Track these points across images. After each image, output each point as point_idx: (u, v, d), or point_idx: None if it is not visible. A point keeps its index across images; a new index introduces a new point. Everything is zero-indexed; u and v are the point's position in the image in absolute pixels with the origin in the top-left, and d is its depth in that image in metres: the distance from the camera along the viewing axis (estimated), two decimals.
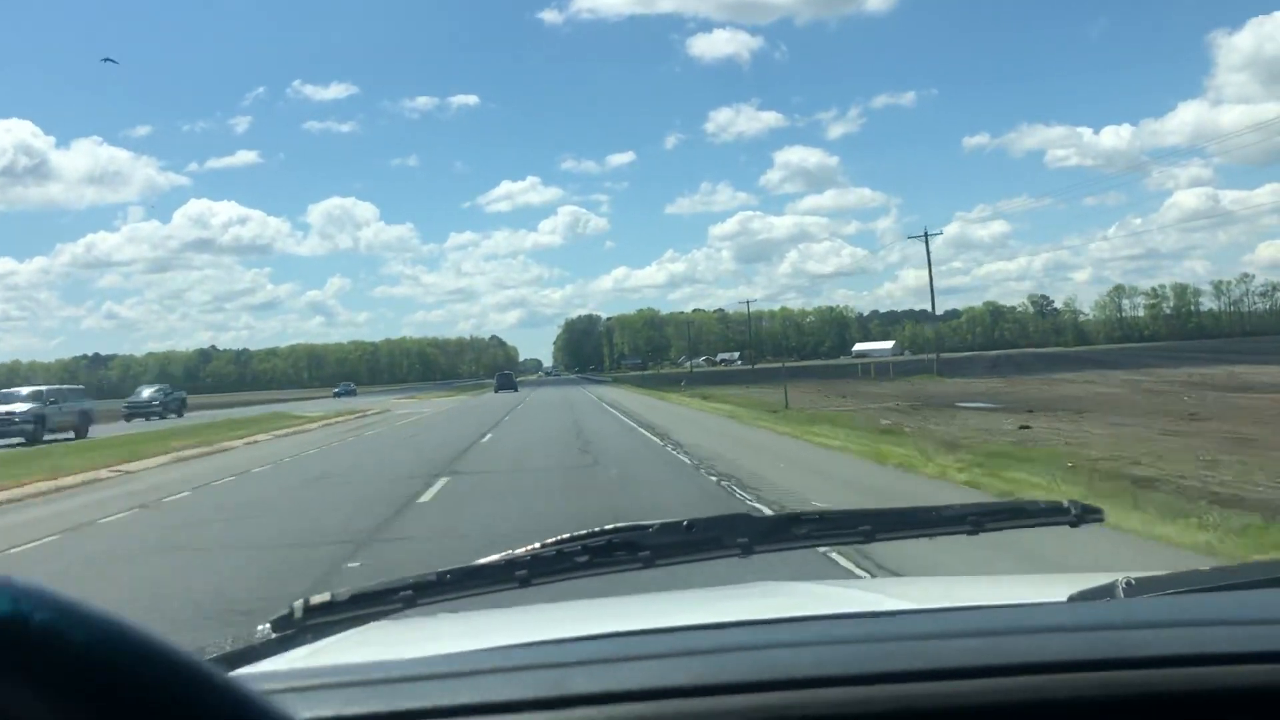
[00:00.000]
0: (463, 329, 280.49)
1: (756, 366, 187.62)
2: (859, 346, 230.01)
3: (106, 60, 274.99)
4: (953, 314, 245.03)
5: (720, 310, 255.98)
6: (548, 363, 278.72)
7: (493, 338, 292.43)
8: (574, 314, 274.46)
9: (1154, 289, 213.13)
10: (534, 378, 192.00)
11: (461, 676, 0.90)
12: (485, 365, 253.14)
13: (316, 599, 1.29)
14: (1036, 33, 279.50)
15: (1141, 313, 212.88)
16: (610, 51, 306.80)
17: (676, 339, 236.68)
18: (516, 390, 71.99)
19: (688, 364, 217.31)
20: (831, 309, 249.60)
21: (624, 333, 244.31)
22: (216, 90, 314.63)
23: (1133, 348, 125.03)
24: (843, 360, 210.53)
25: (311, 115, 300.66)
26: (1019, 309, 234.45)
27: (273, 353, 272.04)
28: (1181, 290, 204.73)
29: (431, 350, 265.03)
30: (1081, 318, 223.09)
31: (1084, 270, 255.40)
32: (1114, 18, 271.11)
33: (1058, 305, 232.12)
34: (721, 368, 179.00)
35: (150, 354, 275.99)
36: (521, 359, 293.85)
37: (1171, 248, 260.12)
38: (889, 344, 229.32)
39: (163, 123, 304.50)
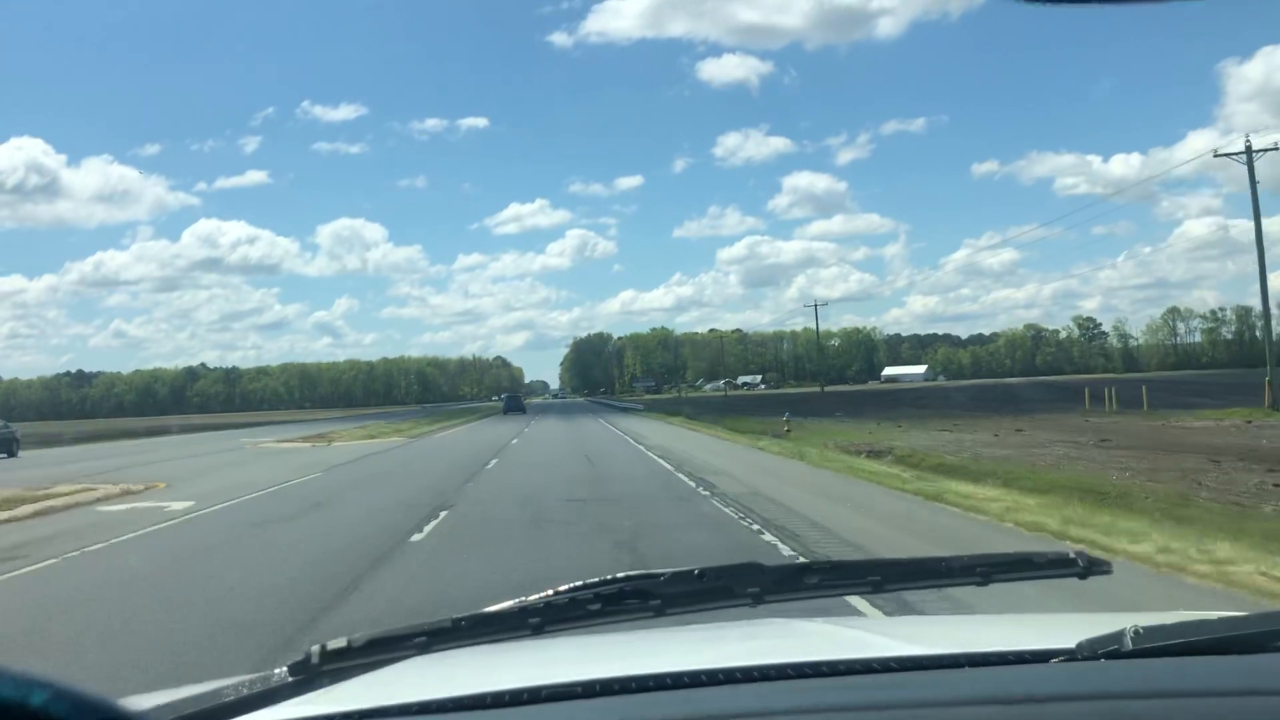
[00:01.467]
0: (470, 350, 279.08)
1: (781, 390, 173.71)
2: (889, 370, 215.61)
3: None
4: (978, 338, 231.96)
5: (739, 331, 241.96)
6: (554, 385, 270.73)
7: (497, 358, 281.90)
8: (582, 335, 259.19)
9: (1213, 311, 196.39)
10: (539, 400, 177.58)
11: None
12: (488, 387, 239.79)
13: (333, 644, 1.31)
14: (1047, 61, 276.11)
15: (1198, 337, 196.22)
16: (620, 75, 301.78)
17: (693, 360, 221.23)
18: (525, 412, 71.93)
19: (705, 387, 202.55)
20: (858, 330, 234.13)
21: (636, 353, 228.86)
22: (226, 110, 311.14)
23: (1209, 374, 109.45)
24: (872, 385, 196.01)
25: (321, 136, 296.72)
26: (1062, 332, 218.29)
27: (263, 371, 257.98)
28: (1245, 313, 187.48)
29: (431, 370, 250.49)
30: (1132, 342, 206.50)
31: (1093, 299, 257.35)
32: (1125, 47, 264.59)
33: (1104, 328, 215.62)
34: (744, 392, 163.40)
35: (137, 372, 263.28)
36: (528, 380, 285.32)
37: (1180, 277, 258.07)
38: (920, 368, 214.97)
39: (172, 142, 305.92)
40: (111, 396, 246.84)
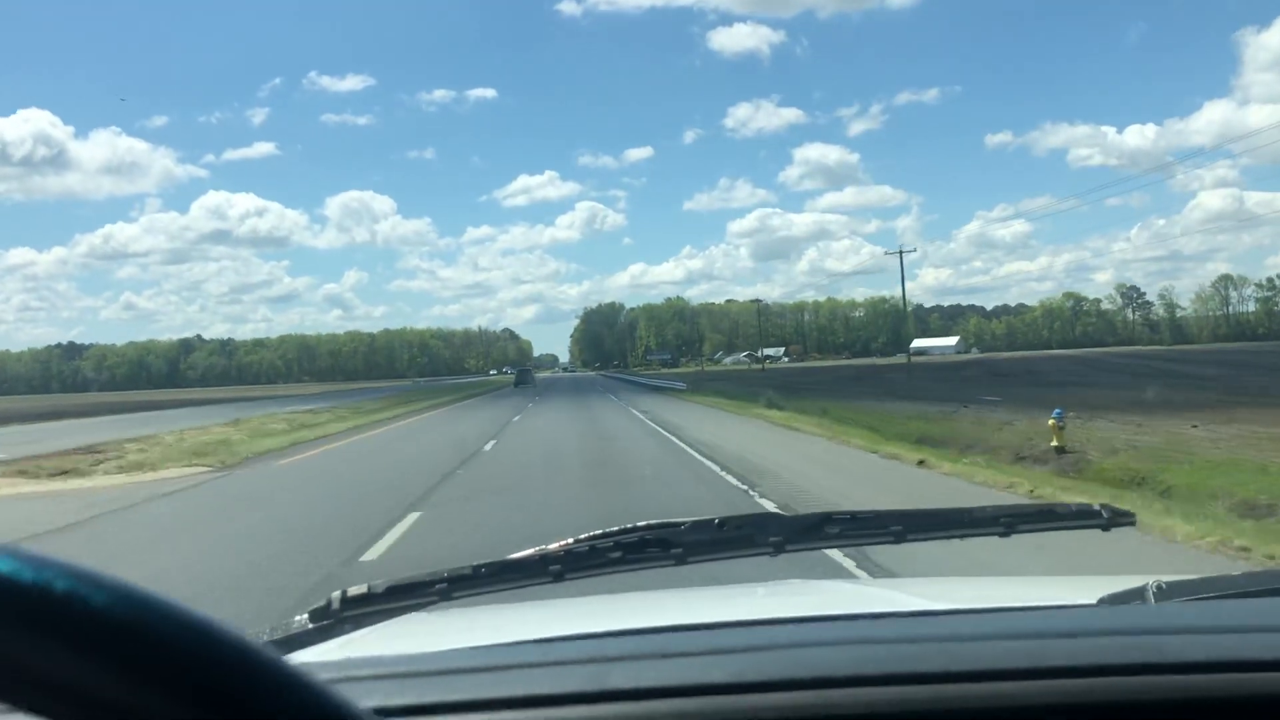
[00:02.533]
0: (479, 324, 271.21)
1: (806, 364, 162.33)
2: (918, 343, 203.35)
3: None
4: (1004, 309, 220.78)
5: (757, 301, 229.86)
6: (564, 358, 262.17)
7: (505, 330, 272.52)
8: (592, 307, 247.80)
9: (1270, 280, 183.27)
10: (547, 374, 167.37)
11: (503, 670, 0.91)
12: (495, 360, 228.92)
13: (354, 590, 1.31)
14: (1062, 30, 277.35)
15: (1253, 306, 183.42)
16: (629, 45, 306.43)
17: (711, 333, 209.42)
18: (535, 385, 71.74)
19: (725, 360, 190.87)
20: (883, 300, 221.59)
21: (650, 324, 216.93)
22: (233, 81, 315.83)
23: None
24: (899, 358, 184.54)
25: (328, 108, 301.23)
26: (1104, 302, 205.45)
27: (260, 344, 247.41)
28: None
29: (435, 342, 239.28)
30: (1180, 312, 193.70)
31: (1105, 271, 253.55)
32: (1141, 16, 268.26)
33: (1150, 298, 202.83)
34: (769, 365, 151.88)
35: (131, 344, 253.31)
36: (537, 354, 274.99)
37: (1195, 250, 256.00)
38: (951, 340, 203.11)
39: (180, 114, 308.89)
40: (104, 369, 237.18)
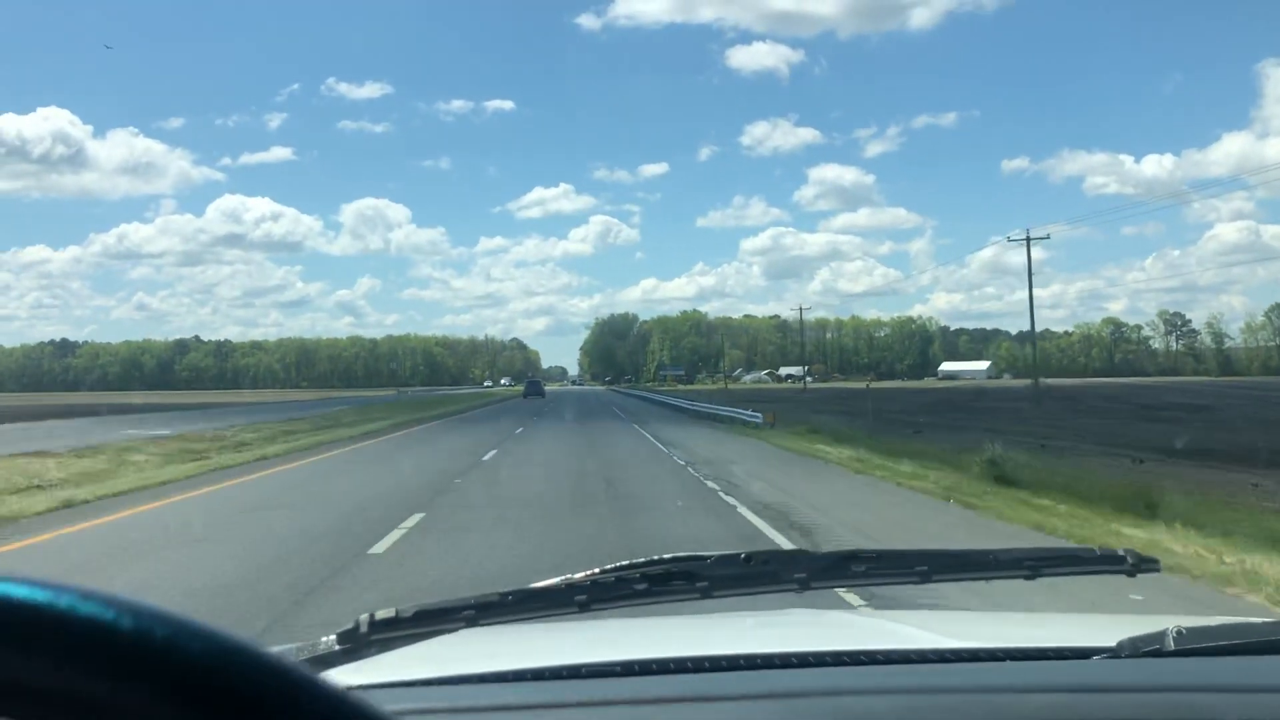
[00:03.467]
0: (488, 333, 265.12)
1: (829, 385, 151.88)
2: (947, 366, 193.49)
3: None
4: (1026, 334, 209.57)
5: (776, 317, 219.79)
6: (573, 370, 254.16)
7: (512, 340, 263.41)
8: (605, 317, 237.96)
9: None
10: (556, 386, 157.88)
11: (542, 709, 0.87)
12: (501, 370, 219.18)
13: (381, 614, 1.32)
14: (1083, 58, 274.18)
15: None
16: (648, 60, 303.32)
17: (729, 348, 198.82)
18: (544, 397, 71.69)
19: (745, 378, 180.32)
20: (911, 320, 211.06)
21: (664, 337, 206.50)
22: (251, 85, 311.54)
23: None
24: (928, 382, 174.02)
25: (345, 114, 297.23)
26: (1145, 329, 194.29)
27: (258, 346, 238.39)
28: None
29: (438, 350, 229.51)
30: (1229, 342, 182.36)
31: (1119, 300, 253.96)
32: (1162, 45, 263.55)
33: (1194, 325, 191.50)
34: (788, 385, 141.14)
35: (126, 343, 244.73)
36: (545, 365, 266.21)
37: (1209, 281, 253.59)
38: (983, 364, 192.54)
39: (197, 116, 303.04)
40: (96, 368, 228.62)
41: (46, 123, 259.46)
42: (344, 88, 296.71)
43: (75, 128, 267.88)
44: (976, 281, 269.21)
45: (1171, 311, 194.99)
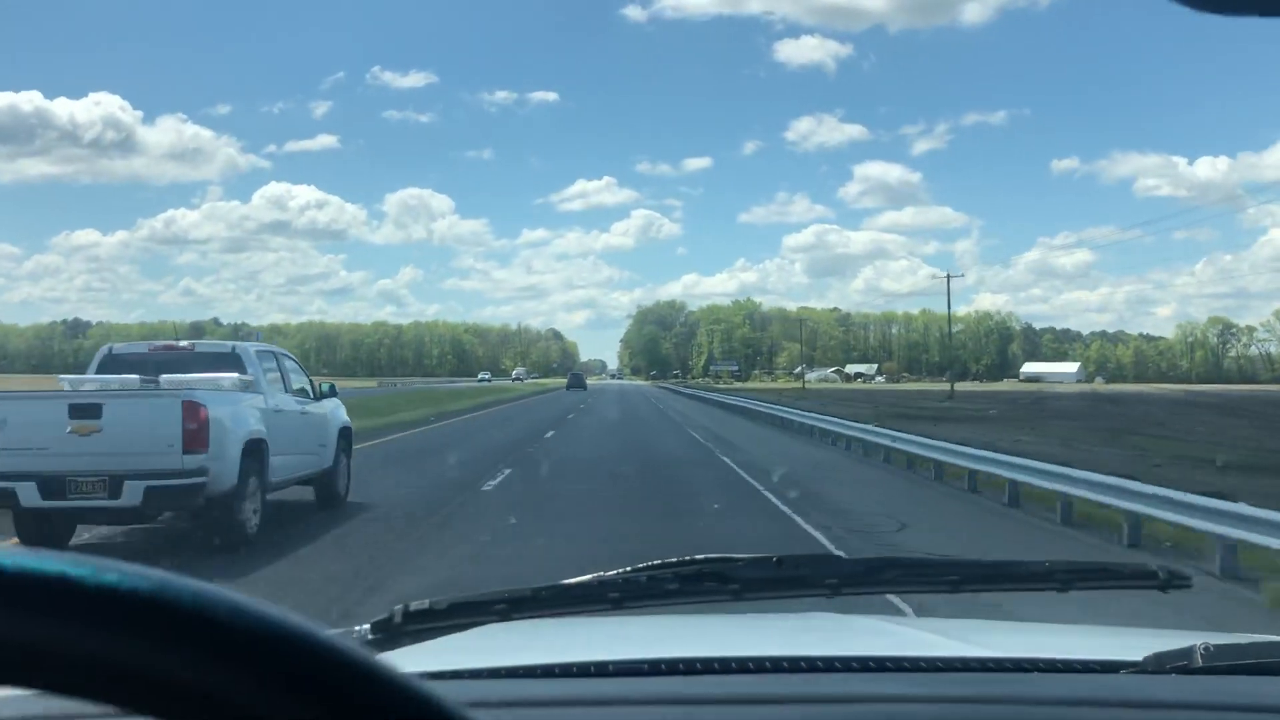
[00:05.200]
0: (526, 323, 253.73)
1: (900, 385, 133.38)
2: (1030, 368, 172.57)
3: None
4: (1141, 335, 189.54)
5: (837, 310, 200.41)
6: (613, 364, 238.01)
7: (549, 330, 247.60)
8: (648, 305, 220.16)
9: None
10: (594, 381, 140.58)
11: (588, 705, 0.88)
12: (534, 361, 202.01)
13: (416, 605, 1.34)
14: (1136, 58, 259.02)
15: None
16: (693, 52, 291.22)
17: (788, 343, 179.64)
18: (586, 389, 77.77)
19: (810, 376, 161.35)
20: (988, 315, 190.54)
21: (714, 329, 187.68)
22: (297, 73, 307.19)
23: None
24: (1007, 384, 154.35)
25: (390, 104, 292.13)
26: (1260, 331, 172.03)
27: (276, 330, 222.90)
28: None
29: (467, 337, 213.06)
30: None
31: (1168, 305, 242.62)
32: (1218, 46, 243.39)
33: None
34: (859, 384, 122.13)
35: (142, 324, 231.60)
36: (584, 358, 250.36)
37: (1262, 288, 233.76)
38: (1072, 367, 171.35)
39: (244, 103, 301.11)
40: None
41: (98, 108, 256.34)
42: (389, 77, 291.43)
43: (125, 113, 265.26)
44: (1022, 283, 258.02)
45: None
